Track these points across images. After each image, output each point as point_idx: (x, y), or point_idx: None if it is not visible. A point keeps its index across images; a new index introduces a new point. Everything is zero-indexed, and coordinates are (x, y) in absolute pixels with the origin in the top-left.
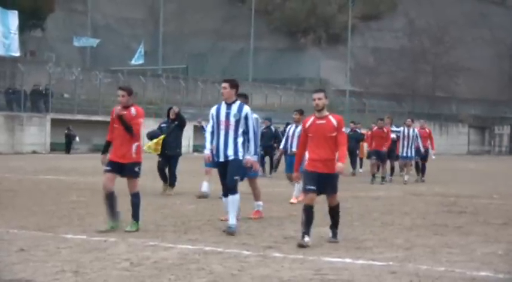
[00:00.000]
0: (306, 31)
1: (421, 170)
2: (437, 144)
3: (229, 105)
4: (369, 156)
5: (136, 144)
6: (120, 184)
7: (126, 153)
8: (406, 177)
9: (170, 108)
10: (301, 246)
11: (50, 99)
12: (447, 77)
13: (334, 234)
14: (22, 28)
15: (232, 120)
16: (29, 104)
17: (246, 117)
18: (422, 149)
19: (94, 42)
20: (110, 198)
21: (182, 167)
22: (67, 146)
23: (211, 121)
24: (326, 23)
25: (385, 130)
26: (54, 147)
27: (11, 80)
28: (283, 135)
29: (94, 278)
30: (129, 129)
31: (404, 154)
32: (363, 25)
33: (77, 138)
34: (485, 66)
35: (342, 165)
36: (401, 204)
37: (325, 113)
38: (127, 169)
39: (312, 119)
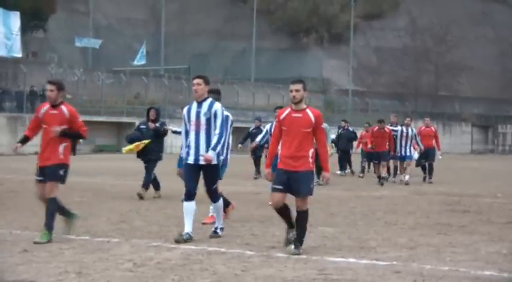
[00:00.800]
0: (308, 31)
1: (428, 171)
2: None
3: (200, 104)
4: (369, 158)
5: (64, 144)
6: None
7: (51, 155)
8: (406, 177)
9: (150, 109)
10: (289, 241)
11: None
12: (450, 76)
13: (296, 246)
14: (24, 29)
15: (203, 119)
16: (28, 105)
17: (216, 114)
18: (421, 147)
19: (96, 43)
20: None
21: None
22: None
23: (183, 122)
24: (328, 23)
25: (386, 130)
26: None
27: (13, 81)
28: None
29: (97, 279)
30: (79, 136)
31: (403, 154)
32: (365, 24)
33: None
34: (488, 64)
35: (328, 174)
36: (405, 203)
37: (303, 106)
38: (50, 172)
39: (287, 111)
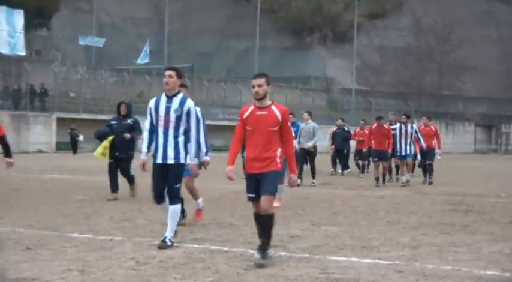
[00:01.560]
0: (312, 30)
1: (428, 171)
2: (443, 143)
3: (170, 98)
4: (365, 158)
5: None
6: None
7: None
8: (404, 178)
9: (120, 104)
10: (261, 265)
11: (48, 99)
12: (453, 75)
13: (262, 255)
14: (28, 27)
15: (172, 115)
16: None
17: (189, 113)
18: (423, 144)
19: (100, 41)
20: None
21: None
22: (73, 146)
23: (149, 117)
24: (332, 22)
25: (386, 127)
26: (59, 147)
27: (16, 79)
28: None
29: (100, 277)
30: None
31: (403, 153)
32: (368, 24)
33: (81, 138)
34: (491, 64)
35: (294, 176)
36: (408, 203)
37: (267, 102)
38: None
39: (251, 108)
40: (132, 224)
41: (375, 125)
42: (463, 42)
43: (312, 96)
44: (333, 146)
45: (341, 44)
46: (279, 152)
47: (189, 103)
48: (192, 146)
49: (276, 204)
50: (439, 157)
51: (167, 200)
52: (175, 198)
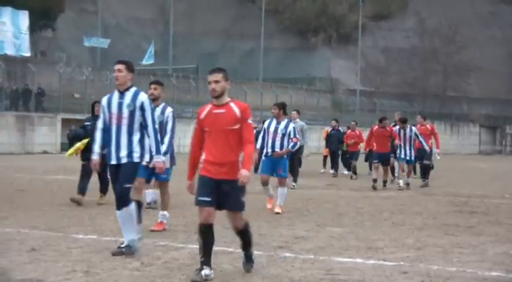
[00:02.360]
0: (317, 31)
1: (423, 172)
2: (448, 144)
3: (122, 94)
4: (367, 159)
5: None
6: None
7: None
8: (400, 182)
9: (95, 103)
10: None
11: (42, 99)
12: (458, 76)
13: (248, 258)
14: (33, 28)
15: (125, 111)
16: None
17: (143, 108)
18: (426, 148)
19: (105, 42)
20: None
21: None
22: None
23: (101, 115)
24: (336, 23)
25: (388, 129)
26: (64, 147)
27: (21, 80)
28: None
29: (105, 278)
30: None
31: (403, 156)
32: (373, 25)
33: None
34: (496, 65)
35: (246, 173)
36: (412, 204)
37: (226, 99)
38: None
39: (208, 107)
40: None
41: (376, 126)
42: (467, 43)
43: (317, 97)
44: (327, 148)
45: (346, 45)
46: (241, 156)
47: (142, 97)
48: (152, 143)
49: (277, 210)
50: (438, 157)
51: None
52: (125, 200)
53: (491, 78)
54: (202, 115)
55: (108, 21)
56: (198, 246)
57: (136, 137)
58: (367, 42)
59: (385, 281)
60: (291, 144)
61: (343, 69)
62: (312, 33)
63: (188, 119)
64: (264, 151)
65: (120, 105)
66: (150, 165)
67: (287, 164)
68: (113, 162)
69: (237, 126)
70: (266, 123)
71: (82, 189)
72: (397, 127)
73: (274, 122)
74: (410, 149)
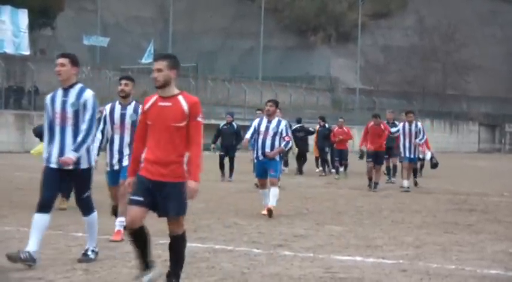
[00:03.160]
0: (316, 29)
1: (413, 172)
2: (447, 142)
3: (66, 91)
4: (361, 157)
5: None
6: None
7: None
8: (405, 183)
9: None
10: None
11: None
12: (457, 75)
13: None
14: (32, 27)
15: (69, 111)
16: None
17: (85, 105)
18: (421, 149)
19: (104, 41)
20: None
21: None
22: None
23: (45, 114)
24: (336, 21)
25: (382, 127)
26: None
27: (20, 79)
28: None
29: (104, 276)
30: None
31: (407, 155)
32: (372, 23)
33: None
34: (496, 64)
35: (194, 186)
36: (412, 202)
37: (173, 91)
38: None
39: (153, 98)
40: None
41: (371, 123)
42: (467, 41)
43: (316, 96)
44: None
45: (345, 43)
46: (186, 156)
47: (87, 95)
48: (78, 139)
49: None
50: (427, 157)
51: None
52: (88, 209)
53: (490, 77)
54: (147, 106)
55: (108, 20)
56: (197, 245)
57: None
58: (366, 40)
59: (384, 279)
60: (283, 143)
61: (342, 67)
62: (311, 32)
63: None
64: (255, 153)
65: (63, 103)
66: (60, 160)
67: (279, 164)
68: (54, 165)
69: (183, 123)
70: (256, 122)
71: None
72: (401, 123)
73: (265, 120)
74: (416, 147)
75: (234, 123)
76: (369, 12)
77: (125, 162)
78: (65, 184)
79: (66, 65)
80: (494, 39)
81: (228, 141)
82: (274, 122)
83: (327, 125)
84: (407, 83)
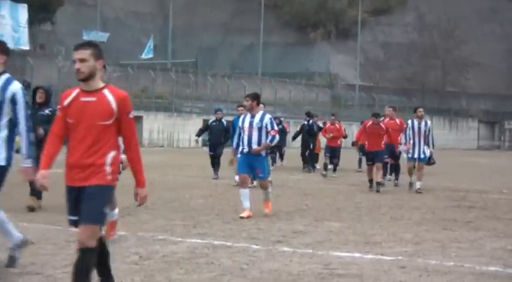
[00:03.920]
0: (316, 25)
1: (394, 171)
2: (446, 139)
3: None
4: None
5: None
6: None
7: None
8: (418, 184)
9: (37, 89)
10: None
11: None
12: (457, 71)
13: None
14: (32, 21)
15: None
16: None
17: (14, 100)
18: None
19: (104, 36)
20: None
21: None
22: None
23: None
24: (336, 18)
25: (383, 126)
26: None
27: (20, 74)
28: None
29: None
30: None
31: (416, 155)
32: (372, 20)
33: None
34: (495, 61)
35: (145, 192)
36: (410, 199)
37: (98, 84)
38: None
39: (75, 92)
40: (136, 219)
41: (370, 122)
42: (466, 38)
43: (316, 92)
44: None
45: (345, 40)
46: (110, 157)
47: (14, 87)
48: (22, 143)
49: (266, 211)
50: (405, 156)
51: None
52: None
53: (490, 74)
54: (66, 102)
55: (107, 15)
56: (196, 240)
57: (3, 134)
58: (366, 37)
59: (383, 275)
60: (269, 137)
61: (342, 64)
62: (311, 28)
63: (187, 113)
64: (240, 149)
65: None
66: (20, 171)
67: (266, 162)
68: None
69: (110, 121)
70: (241, 118)
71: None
72: (409, 120)
73: (248, 116)
74: (424, 146)
75: (223, 120)
76: (369, 8)
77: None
78: None
79: None
80: (494, 36)
81: (217, 138)
82: (257, 116)
83: (314, 123)
84: (407, 79)
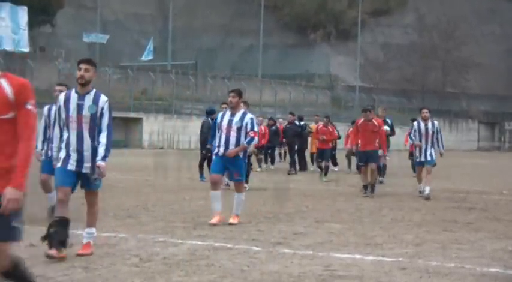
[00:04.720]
0: (316, 27)
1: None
2: (446, 140)
3: None
4: (350, 155)
5: None
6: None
7: None
8: (427, 190)
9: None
10: None
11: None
12: (457, 72)
13: None
14: (32, 24)
15: None
16: None
17: None
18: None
19: (103, 38)
20: None
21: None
22: None
23: None
24: (336, 19)
25: (375, 122)
26: None
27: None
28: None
29: (104, 274)
30: None
31: (424, 158)
32: (372, 21)
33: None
34: (495, 61)
35: (13, 193)
36: (411, 200)
37: None
38: None
39: None
40: (136, 221)
41: (361, 119)
42: (466, 39)
43: (316, 94)
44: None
45: (345, 41)
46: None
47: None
48: None
49: (232, 220)
50: (387, 158)
51: None
52: None
53: (490, 75)
54: None
55: (107, 17)
56: (197, 242)
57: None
58: (366, 38)
59: (384, 277)
60: (247, 139)
61: (342, 65)
62: (311, 30)
63: (187, 115)
64: (216, 150)
65: None
66: None
67: (243, 165)
68: None
69: (10, 115)
70: (219, 116)
71: None
72: (415, 122)
73: (228, 113)
74: (431, 148)
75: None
76: (369, 9)
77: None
78: None
79: None
80: (493, 37)
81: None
82: (238, 115)
83: (296, 122)
84: (407, 80)
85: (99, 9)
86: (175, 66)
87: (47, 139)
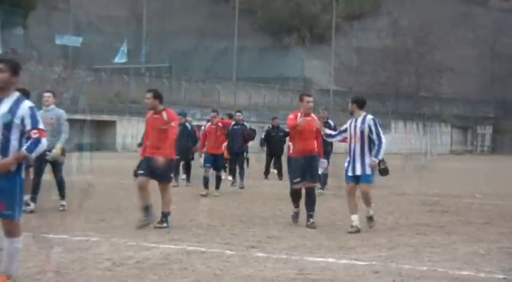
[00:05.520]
0: (290, 30)
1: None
2: (420, 144)
3: None
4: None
5: None
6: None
7: None
8: (371, 211)
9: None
10: None
11: None
12: (430, 77)
13: None
14: (3, 25)
15: None
16: None
17: None
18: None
19: (77, 41)
20: None
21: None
22: None
23: None
24: (310, 23)
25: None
26: None
27: None
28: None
29: (75, 278)
30: None
31: (356, 171)
32: (346, 25)
33: None
34: (468, 66)
35: None
36: (384, 203)
37: None
38: None
39: None
40: (109, 225)
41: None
42: (439, 44)
43: (290, 97)
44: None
45: (319, 44)
46: None
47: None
48: None
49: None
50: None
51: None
52: None
53: (463, 79)
54: None
55: (80, 19)
56: (170, 246)
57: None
58: (340, 42)
59: (357, 280)
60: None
61: (316, 69)
62: (285, 33)
63: None
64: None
65: None
66: None
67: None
68: None
69: None
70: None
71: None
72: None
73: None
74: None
75: (187, 125)
76: (343, 13)
77: None
78: None
79: None
80: (466, 42)
81: (184, 143)
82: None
83: (247, 124)
84: (381, 84)
85: (72, 11)
86: (149, 68)
87: None
